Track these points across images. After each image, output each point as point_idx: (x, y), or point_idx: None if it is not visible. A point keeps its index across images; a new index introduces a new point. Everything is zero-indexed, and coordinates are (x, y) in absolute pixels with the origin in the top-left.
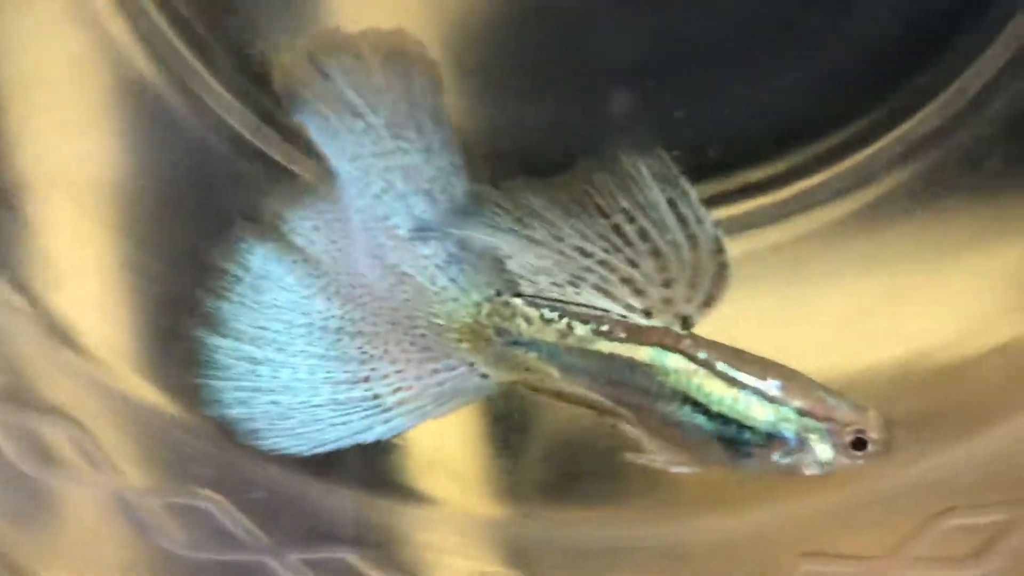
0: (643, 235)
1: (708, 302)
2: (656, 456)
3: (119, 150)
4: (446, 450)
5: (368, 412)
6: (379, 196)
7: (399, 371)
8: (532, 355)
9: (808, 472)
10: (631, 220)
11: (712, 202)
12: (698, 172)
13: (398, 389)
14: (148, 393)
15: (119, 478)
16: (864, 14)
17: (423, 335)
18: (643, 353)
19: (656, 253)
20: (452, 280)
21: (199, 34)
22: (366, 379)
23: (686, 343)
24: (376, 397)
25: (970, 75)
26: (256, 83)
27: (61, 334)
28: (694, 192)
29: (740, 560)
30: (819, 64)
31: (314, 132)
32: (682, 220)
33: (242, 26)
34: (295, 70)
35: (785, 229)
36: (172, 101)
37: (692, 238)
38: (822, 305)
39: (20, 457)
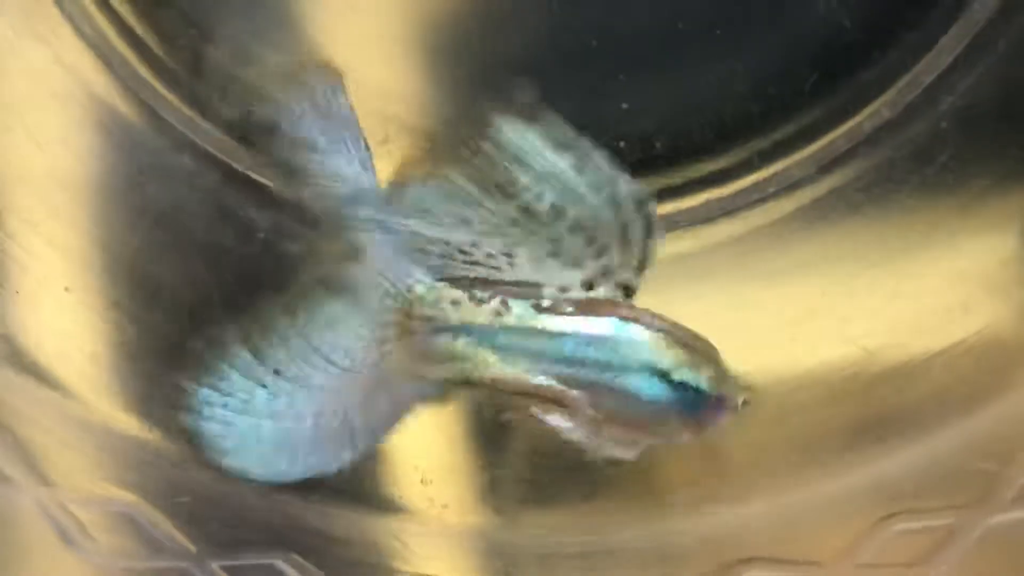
0: (559, 211)
1: (642, 265)
2: (601, 438)
3: (90, 176)
4: (416, 454)
5: (336, 442)
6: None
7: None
8: (462, 341)
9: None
10: (539, 196)
11: (659, 196)
12: (645, 165)
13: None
14: (84, 398)
15: (46, 486)
16: (814, 6)
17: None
18: (600, 326)
19: (579, 225)
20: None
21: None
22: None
23: (640, 313)
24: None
25: (921, 68)
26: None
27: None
28: (598, 152)
29: (684, 564)
30: (768, 56)
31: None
32: (595, 186)
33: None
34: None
35: (735, 223)
36: (135, 121)
37: (613, 199)
38: (770, 302)
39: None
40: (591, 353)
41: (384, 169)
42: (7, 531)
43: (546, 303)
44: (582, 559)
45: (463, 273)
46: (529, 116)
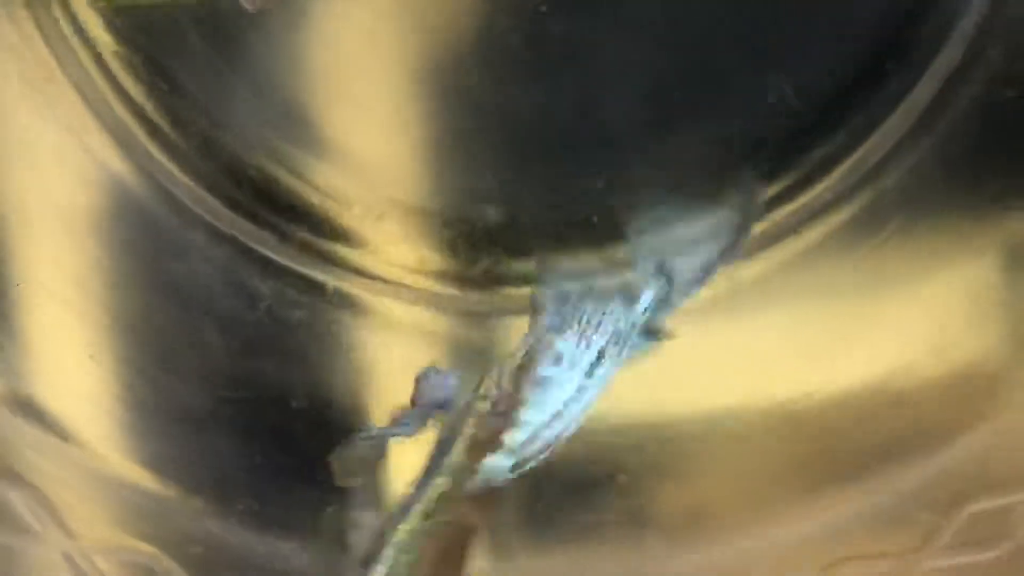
0: None
1: None
2: None
3: (117, 265)
4: None
5: None
6: None
7: None
8: None
9: None
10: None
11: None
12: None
13: None
14: (105, 456)
15: (70, 539)
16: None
17: None
18: None
19: None
20: None
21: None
22: None
23: None
24: None
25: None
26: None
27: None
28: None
29: None
30: (771, 94)
31: None
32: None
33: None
34: None
35: (750, 264)
36: (150, 200)
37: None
38: (789, 332)
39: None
40: None
41: (378, 242)
42: None
43: None
44: None
45: None
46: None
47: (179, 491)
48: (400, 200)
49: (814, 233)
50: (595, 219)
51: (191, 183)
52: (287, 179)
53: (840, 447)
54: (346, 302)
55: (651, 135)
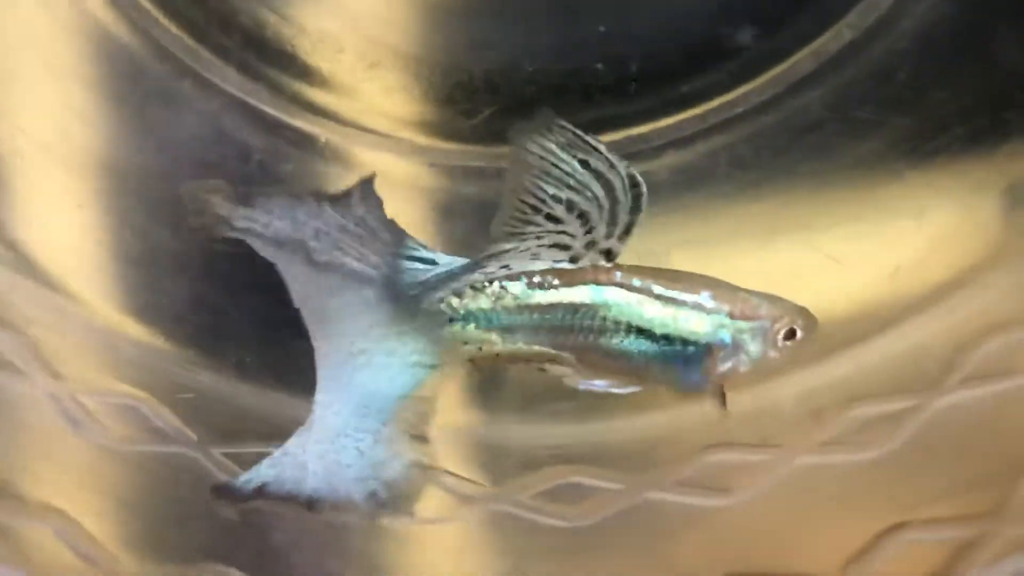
0: (570, 207)
1: (627, 230)
2: (600, 383)
3: (121, 126)
4: None
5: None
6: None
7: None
8: (471, 327)
9: (743, 370)
10: (559, 201)
11: (636, 118)
12: (621, 86)
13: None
14: (95, 306)
15: (56, 380)
16: None
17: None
18: (580, 294)
19: (581, 215)
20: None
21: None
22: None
23: (617, 275)
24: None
25: None
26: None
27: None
28: (601, 144)
29: (651, 455)
30: None
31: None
32: (596, 174)
33: None
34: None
35: (706, 143)
36: (136, 49)
37: (608, 184)
38: (740, 217)
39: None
40: (577, 320)
41: (371, 92)
42: (19, 418)
43: (536, 279)
44: (563, 452)
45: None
46: (544, 127)
47: (170, 342)
48: (394, 47)
49: (774, 114)
50: (599, 66)
51: (179, 31)
52: (277, 25)
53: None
54: (339, 155)
55: None
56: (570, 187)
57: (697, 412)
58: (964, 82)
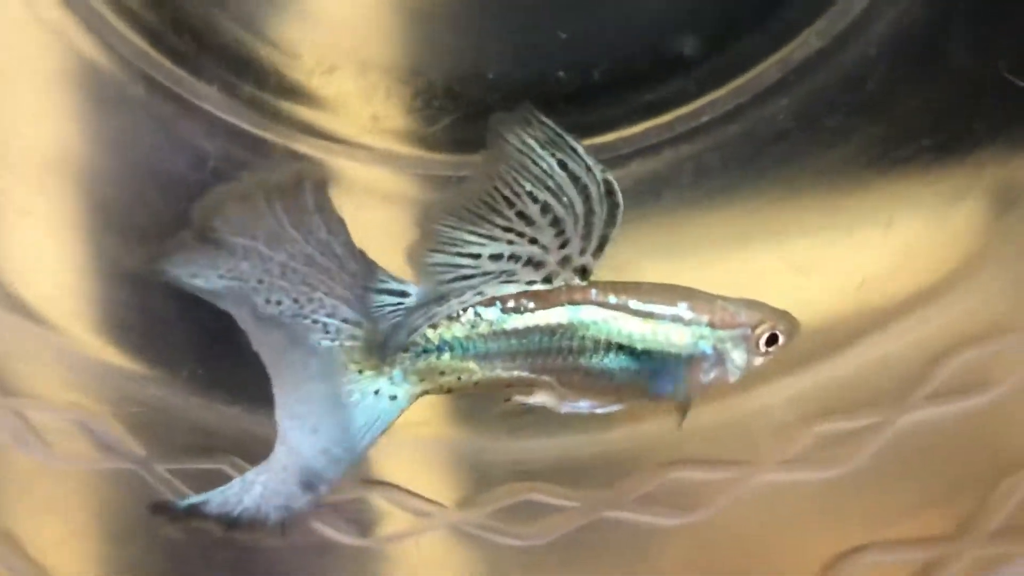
0: (544, 209)
1: (601, 245)
2: (581, 405)
3: (72, 130)
4: None
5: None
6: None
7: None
8: (446, 356)
9: (731, 380)
10: (535, 200)
11: (599, 126)
12: (583, 94)
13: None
14: (42, 316)
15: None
16: None
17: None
18: (557, 316)
19: (555, 222)
20: (340, 327)
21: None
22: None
23: (592, 293)
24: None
25: None
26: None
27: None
28: (580, 144)
29: (614, 470)
30: None
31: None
32: (574, 177)
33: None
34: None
35: (672, 152)
36: (88, 52)
37: (584, 191)
38: (711, 223)
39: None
40: (555, 342)
41: (329, 97)
42: None
43: (511, 304)
44: (521, 468)
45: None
46: (524, 120)
47: (120, 354)
48: (353, 52)
49: (741, 123)
50: (562, 74)
51: (131, 34)
52: (232, 29)
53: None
54: (296, 162)
55: None
56: (548, 188)
57: (659, 428)
58: (934, 90)
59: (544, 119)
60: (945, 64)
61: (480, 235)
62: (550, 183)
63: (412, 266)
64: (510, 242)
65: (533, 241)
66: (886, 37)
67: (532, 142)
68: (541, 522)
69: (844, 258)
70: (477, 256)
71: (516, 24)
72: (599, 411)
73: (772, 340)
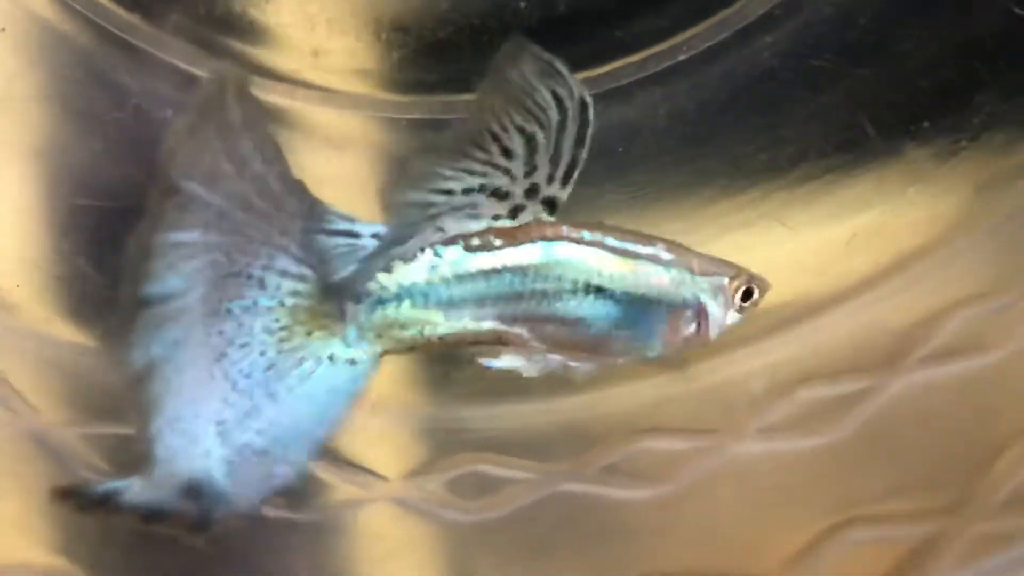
0: (531, 141)
1: (569, 172)
2: (554, 364)
3: (45, 100)
4: None
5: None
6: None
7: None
8: (405, 305)
9: (712, 335)
10: (522, 132)
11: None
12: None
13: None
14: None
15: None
16: None
17: (262, 353)
18: (528, 254)
19: (532, 147)
20: (279, 283)
21: None
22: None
23: (565, 228)
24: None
25: None
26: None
27: None
28: (567, 70)
29: (579, 438)
30: None
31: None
32: (559, 103)
33: None
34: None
35: (643, 94)
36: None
37: (563, 111)
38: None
39: None
40: (526, 285)
41: (271, 30)
42: None
43: (475, 241)
44: (474, 438)
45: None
46: (527, 55)
47: (35, 312)
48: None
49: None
50: (522, 4)
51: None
52: None
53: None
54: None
55: None
56: (538, 121)
57: (625, 395)
58: (931, 30)
59: (543, 52)
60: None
61: (457, 169)
62: (542, 117)
63: (384, 208)
64: (485, 174)
65: (507, 172)
66: None
67: (532, 77)
68: (494, 495)
69: (832, 213)
70: (450, 192)
71: None
72: (573, 368)
73: (747, 295)
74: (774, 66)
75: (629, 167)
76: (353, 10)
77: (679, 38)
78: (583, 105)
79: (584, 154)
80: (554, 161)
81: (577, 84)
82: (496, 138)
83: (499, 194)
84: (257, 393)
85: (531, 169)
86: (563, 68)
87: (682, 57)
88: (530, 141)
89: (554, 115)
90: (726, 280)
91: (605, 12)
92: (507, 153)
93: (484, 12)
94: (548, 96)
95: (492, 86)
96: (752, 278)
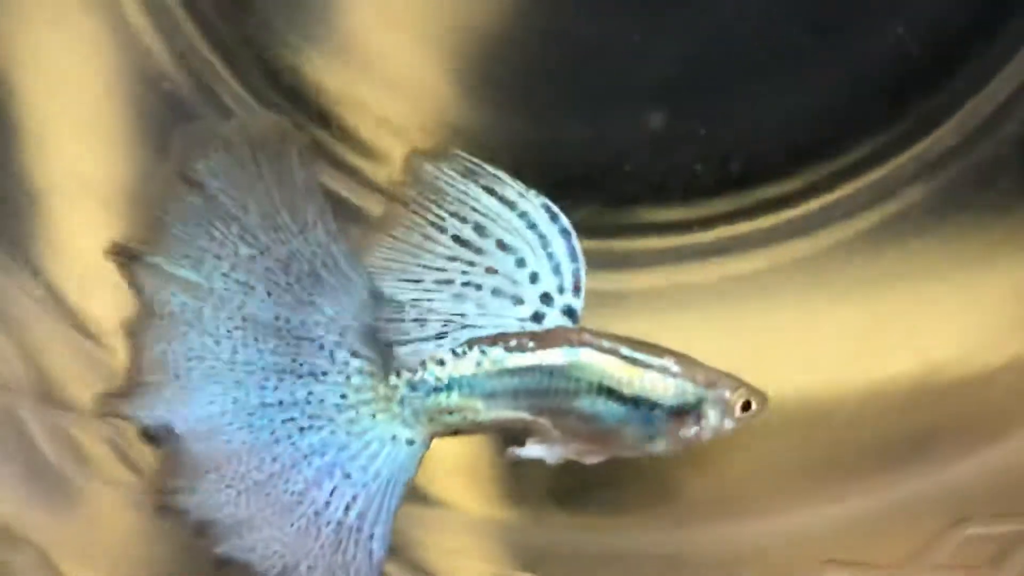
0: (478, 229)
1: (577, 286)
2: (571, 452)
3: (144, 151)
4: (454, 452)
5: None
6: (265, 300)
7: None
8: (455, 395)
9: (705, 438)
10: (464, 221)
11: (734, 216)
12: (721, 186)
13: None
14: None
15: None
16: (879, 36)
17: (333, 430)
18: (556, 356)
19: (503, 246)
20: (348, 359)
21: (222, 35)
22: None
23: (587, 336)
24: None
25: (984, 96)
26: (273, 85)
27: (86, 331)
28: (503, 171)
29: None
30: (839, 83)
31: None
32: (507, 203)
33: (260, 26)
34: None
35: (805, 243)
36: (196, 103)
37: (524, 216)
38: (840, 318)
39: (58, 457)
40: (552, 382)
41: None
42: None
43: (512, 343)
44: (602, 561)
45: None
46: (439, 153)
47: None
48: (490, 143)
49: (873, 216)
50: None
51: (231, 80)
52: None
53: (868, 440)
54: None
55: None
56: (476, 211)
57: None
58: None
59: (460, 152)
60: None
61: (417, 264)
62: (478, 206)
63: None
64: (452, 259)
65: (491, 271)
66: (1019, 136)
67: (452, 172)
68: None
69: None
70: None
71: (656, 118)
72: (586, 460)
73: (746, 407)
74: (925, 221)
75: (785, 310)
76: (545, 171)
77: (838, 194)
78: (551, 214)
79: (582, 268)
80: (555, 271)
81: (524, 187)
82: (439, 228)
83: (512, 297)
84: (337, 472)
85: (532, 275)
86: (498, 172)
87: (840, 212)
88: (478, 230)
89: (510, 216)
90: (727, 392)
91: (772, 171)
92: (460, 241)
93: (665, 171)
94: (477, 189)
95: (412, 184)
96: (752, 392)
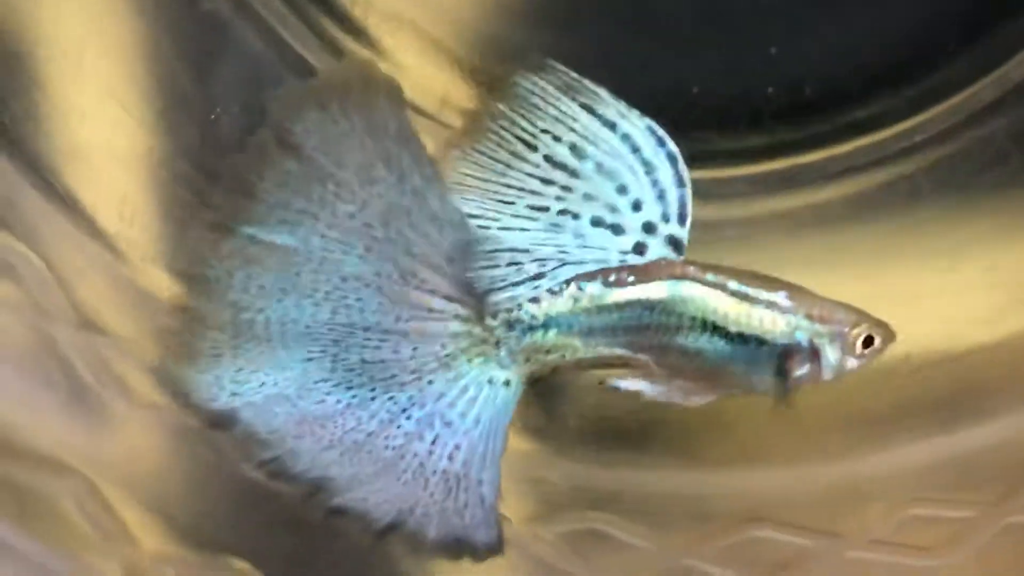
0: (574, 150)
1: (683, 216)
2: (674, 391)
3: (185, 74)
4: None
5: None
6: (363, 256)
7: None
8: (552, 333)
9: (825, 377)
10: (557, 140)
11: (809, 143)
12: (794, 111)
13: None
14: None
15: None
16: None
17: (431, 380)
18: (658, 290)
19: (602, 171)
20: (444, 307)
21: None
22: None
23: (692, 269)
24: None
25: None
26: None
27: (125, 258)
28: (604, 89)
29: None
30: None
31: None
32: (608, 123)
33: None
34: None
35: (880, 173)
36: (237, 24)
37: (627, 138)
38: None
39: (98, 383)
40: (653, 318)
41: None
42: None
43: (612, 278)
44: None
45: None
46: (537, 67)
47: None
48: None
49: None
50: (770, 90)
51: None
52: None
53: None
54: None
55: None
56: (572, 130)
57: (748, 478)
58: None
59: (561, 67)
60: None
61: (506, 185)
62: (574, 125)
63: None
64: (545, 182)
65: (589, 197)
66: None
67: (544, 84)
68: (608, 557)
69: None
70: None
71: (723, 39)
72: (690, 402)
73: (868, 342)
74: (1007, 148)
75: (864, 239)
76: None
77: (915, 120)
78: (657, 137)
79: (689, 193)
80: (660, 197)
81: (628, 108)
82: (530, 147)
83: (611, 226)
84: (437, 422)
85: (635, 203)
86: (598, 88)
87: (918, 139)
88: (574, 150)
89: (610, 137)
90: (846, 327)
91: (847, 96)
92: (552, 161)
93: (733, 95)
94: (575, 107)
95: (506, 99)
96: (876, 326)
